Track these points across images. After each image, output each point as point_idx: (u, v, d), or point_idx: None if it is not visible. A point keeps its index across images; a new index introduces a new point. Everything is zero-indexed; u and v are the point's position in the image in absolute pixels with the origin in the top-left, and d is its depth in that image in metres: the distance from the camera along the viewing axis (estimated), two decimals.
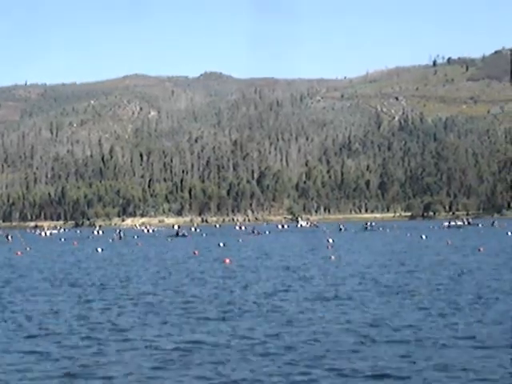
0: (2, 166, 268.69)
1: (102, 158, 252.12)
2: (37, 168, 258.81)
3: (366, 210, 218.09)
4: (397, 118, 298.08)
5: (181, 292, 23.18)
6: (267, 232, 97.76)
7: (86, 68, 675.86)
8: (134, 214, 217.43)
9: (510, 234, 68.02)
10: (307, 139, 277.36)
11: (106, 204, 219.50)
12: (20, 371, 11.97)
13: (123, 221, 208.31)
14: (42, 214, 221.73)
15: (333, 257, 38.89)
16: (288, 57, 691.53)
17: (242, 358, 12.54)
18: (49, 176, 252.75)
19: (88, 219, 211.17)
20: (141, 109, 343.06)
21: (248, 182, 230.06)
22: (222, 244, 58.55)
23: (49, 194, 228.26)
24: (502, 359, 11.96)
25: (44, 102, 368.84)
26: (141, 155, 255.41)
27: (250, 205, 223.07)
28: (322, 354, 12.65)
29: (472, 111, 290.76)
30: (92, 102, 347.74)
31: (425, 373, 11.23)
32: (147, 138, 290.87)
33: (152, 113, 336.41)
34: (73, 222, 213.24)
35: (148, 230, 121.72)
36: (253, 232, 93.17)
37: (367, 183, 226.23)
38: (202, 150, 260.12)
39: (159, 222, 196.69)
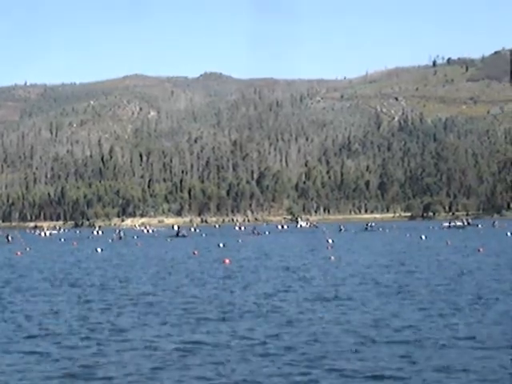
0: (2, 166, 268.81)
1: (102, 159, 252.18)
2: (36, 168, 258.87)
3: (366, 211, 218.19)
4: (396, 119, 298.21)
5: (180, 292, 23.17)
6: (267, 232, 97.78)
7: (85, 68, 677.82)
8: (133, 215, 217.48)
9: (509, 234, 67.99)
10: (307, 139, 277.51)
11: (106, 204, 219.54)
12: (20, 372, 11.96)
13: (123, 221, 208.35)
14: (42, 214, 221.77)
15: (332, 257, 38.89)
16: (288, 57, 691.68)
17: (242, 359, 12.53)
18: (48, 176, 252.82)
19: (88, 219, 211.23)
20: (140, 109, 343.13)
21: (248, 182, 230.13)
22: (221, 244, 58.53)
23: (48, 194, 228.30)
24: (502, 360, 11.96)
25: (44, 102, 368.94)
26: (140, 155, 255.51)
27: (250, 205, 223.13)
28: (322, 355, 12.64)
29: (472, 111, 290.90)
30: (92, 102, 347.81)
31: (425, 373, 11.23)
32: (147, 138, 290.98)
33: (152, 113, 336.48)
34: (72, 222, 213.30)
35: (148, 231, 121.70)
36: (253, 232, 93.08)
37: (367, 184, 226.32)
38: (201, 151, 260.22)
39: (159, 222, 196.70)
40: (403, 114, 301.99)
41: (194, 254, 47.42)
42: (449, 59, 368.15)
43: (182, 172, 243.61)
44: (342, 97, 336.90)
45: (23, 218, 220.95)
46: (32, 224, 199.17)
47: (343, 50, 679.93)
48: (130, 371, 11.79)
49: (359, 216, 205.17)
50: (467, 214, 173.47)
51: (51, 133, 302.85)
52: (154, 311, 18.61)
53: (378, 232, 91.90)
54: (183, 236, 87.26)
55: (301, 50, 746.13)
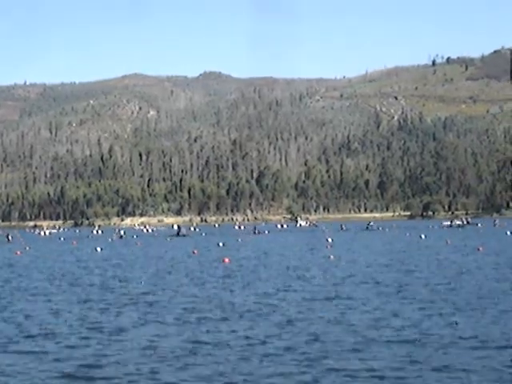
0: (2, 165, 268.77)
1: (101, 158, 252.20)
2: (36, 167, 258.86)
3: (366, 210, 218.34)
4: (396, 118, 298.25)
5: (180, 292, 23.15)
6: (266, 232, 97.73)
7: (85, 68, 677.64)
8: (133, 214, 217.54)
9: (509, 233, 68.00)
10: (306, 139, 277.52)
11: (105, 203, 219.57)
12: (19, 371, 11.94)
13: (122, 220, 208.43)
14: (42, 214, 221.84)
15: (332, 256, 38.90)
16: (287, 56, 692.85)
17: (242, 358, 12.52)
18: (48, 175, 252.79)
19: (87, 219, 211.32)
20: (140, 108, 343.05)
21: (247, 181, 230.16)
22: (221, 243, 58.50)
23: (48, 193, 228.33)
24: (502, 359, 11.95)
25: (43, 102, 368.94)
26: (140, 155, 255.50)
27: (250, 204, 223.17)
28: (322, 355, 12.63)
29: (471, 111, 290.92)
30: (91, 101, 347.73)
31: (425, 373, 11.22)
32: (146, 137, 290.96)
33: (151, 112, 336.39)
34: (72, 221, 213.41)
35: (147, 230, 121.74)
36: (254, 231, 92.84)
37: (366, 183, 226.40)
38: (201, 150, 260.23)
39: (158, 221, 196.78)
40: (403, 113, 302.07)
41: (193, 253, 47.42)
42: (448, 58, 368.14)
43: (182, 171, 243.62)
44: (341, 96, 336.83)
45: (23, 218, 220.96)
46: (32, 223, 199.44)
47: (343, 50, 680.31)
48: (130, 371, 11.78)
49: (359, 215, 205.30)
50: (467, 213, 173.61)
51: (51, 132, 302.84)
52: (154, 311, 18.60)
53: (378, 231, 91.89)
54: (183, 235, 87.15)
55: (300, 50, 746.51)
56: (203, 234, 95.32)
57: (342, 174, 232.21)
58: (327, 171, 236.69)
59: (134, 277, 29.80)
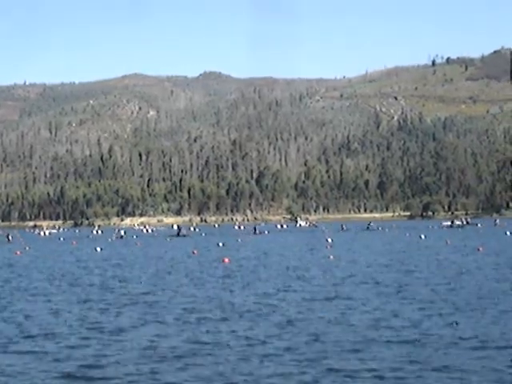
0: (1, 165, 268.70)
1: (101, 158, 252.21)
2: (36, 167, 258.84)
3: (365, 210, 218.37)
4: (396, 118, 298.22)
5: (180, 292, 23.16)
6: (266, 232, 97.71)
7: (85, 68, 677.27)
8: (132, 214, 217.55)
9: (508, 233, 68.00)
10: (306, 139, 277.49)
11: (105, 204, 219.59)
12: (19, 371, 11.94)
13: (122, 220, 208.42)
14: (41, 214, 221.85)
15: (332, 256, 38.90)
16: (287, 56, 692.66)
17: (242, 359, 12.52)
18: (48, 175, 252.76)
19: (87, 219, 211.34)
20: (140, 108, 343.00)
21: (247, 181, 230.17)
22: (221, 244, 58.47)
23: (48, 193, 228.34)
24: (502, 359, 11.95)
25: (43, 102, 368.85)
26: (140, 155, 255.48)
27: (249, 204, 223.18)
28: (322, 355, 12.63)
29: (471, 111, 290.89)
30: (91, 101, 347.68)
31: (425, 373, 11.22)
32: (146, 137, 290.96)
33: (151, 112, 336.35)
34: (72, 221, 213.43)
35: (147, 230, 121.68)
36: (254, 231, 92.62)
37: (366, 183, 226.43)
38: (201, 150, 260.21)
39: (158, 221, 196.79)
40: (402, 113, 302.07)
41: (193, 253, 47.42)
42: (448, 58, 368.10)
43: (182, 171, 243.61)
44: (341, 96, 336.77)
45: (23, 218, 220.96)
46: (31, 223, 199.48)
47: (343, 50, 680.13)
48: (130, 371, 11.78)
49: (358, 215, 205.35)
50: (466, 214, 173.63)
51: (50, 132, 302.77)
52: (154, 311, 18.60)
53: (378, 231, 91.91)
54: (183, 236, 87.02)
55: (300, 50, 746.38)
56: (203, 234, 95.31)
57: (341, 174, 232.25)
58: (327, 171, 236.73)
59: (134, 277, 29.80)
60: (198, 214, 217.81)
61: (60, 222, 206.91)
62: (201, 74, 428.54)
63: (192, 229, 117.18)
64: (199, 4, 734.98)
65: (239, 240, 70.43)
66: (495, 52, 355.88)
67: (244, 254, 45.60)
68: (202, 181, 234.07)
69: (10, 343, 14.39)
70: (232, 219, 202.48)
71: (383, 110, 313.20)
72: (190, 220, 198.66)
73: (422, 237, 64.39)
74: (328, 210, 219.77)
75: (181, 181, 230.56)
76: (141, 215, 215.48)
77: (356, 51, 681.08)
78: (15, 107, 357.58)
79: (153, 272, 32.27)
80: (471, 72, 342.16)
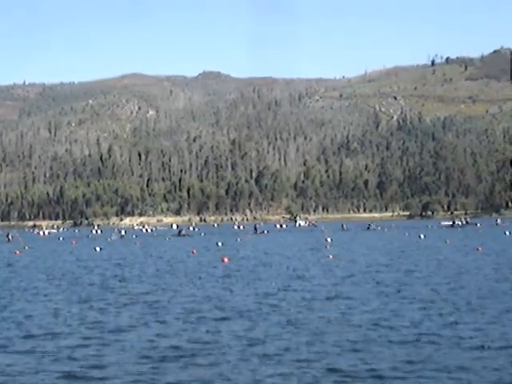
0: (1, 165, 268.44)
1: (101, 158, 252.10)
2: (35, 167, 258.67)
3: (365, 210, 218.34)
4: (395, 118, 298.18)
5: (180, 292, 23.15)
6: (266, 231, 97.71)
7: (84, 67, 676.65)
8: (132, 214, 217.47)
9: (507, 233, 68.02)
10: (305, 139, 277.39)
11: (105, 203, 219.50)
12: (19, 371, 11.93)
13: (121, 220, 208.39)
14: (41, 214, 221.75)
15: (331, 256, 38.91)
16: (287, 56, 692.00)
17: (242, 358, 12.52)
18: (47, 175, 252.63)
19: (86, 218, 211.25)
20: (139, 108, 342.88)
21: (246, 181, 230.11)
22: (220, 243, 58.47)
23: (47, 193, 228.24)
24: (502, 359, 11.95)
25: (42, 102, 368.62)
26: (139, 154, 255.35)
27: (249, 204, 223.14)
28: (322, 354, 12.63)
29: (470, 111, 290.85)
30: (90, 101, 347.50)
31: (425, 373, 11.22)
32: (145, 137, 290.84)
33: (150, 112, 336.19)
34: (71, 221, 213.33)
35: (146, 230, 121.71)
36: (255, 230, 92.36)
37: (365, 183, 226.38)
38: (200, 150, 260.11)
39: (157, 221, 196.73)
40: (402, 113, 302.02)
41: (192, 253, 47.42)
42: (447, 58, 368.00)
43: (181, 171, 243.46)
44: (340, 96, 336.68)
45: (22, 217, 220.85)
46: (31, 223, 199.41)
47: (342, 50, 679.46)
48: (130, 371, 11.77)
49: (358, 215, 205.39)
50: (466, 213, 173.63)
51: (50, 132, 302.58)
52: (154, 311, 18.59)
53: (377, 231, 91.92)
54: (183, 235, 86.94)
55: (300, 50, 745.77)
56: (202, 234, 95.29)
57: (341, 173, 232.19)
58: (326, 171, 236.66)
59: (134, 276, 29.80)
60: (198, 213, 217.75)
61: (59, 221, 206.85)
62: (200, 74, 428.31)
63: (191, 228, 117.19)
64: (199, 4, 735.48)
65: (239, 240, 70.42)
66: (495, 52, 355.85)
67: (244, 254, 45.59)
68: (201, 180, 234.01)
69: (11, 343, 14.39)
70: (231, 219, 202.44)
71: (382, 109, 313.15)
72: (190, 220, 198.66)
73: (422, 236, 64.40)
74: (327, 210, 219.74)
75: (180, 180, 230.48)
76: (140, 215, 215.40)
77: (355, 51, 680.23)
78: (14, 107, 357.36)
79: (152, 272, 32.27)
80: (471, 72, 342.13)
